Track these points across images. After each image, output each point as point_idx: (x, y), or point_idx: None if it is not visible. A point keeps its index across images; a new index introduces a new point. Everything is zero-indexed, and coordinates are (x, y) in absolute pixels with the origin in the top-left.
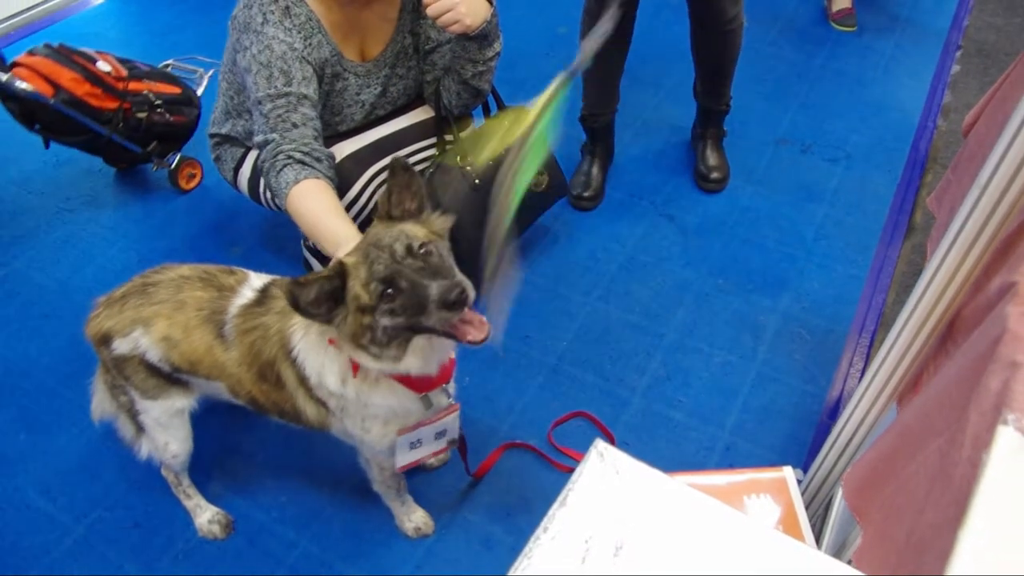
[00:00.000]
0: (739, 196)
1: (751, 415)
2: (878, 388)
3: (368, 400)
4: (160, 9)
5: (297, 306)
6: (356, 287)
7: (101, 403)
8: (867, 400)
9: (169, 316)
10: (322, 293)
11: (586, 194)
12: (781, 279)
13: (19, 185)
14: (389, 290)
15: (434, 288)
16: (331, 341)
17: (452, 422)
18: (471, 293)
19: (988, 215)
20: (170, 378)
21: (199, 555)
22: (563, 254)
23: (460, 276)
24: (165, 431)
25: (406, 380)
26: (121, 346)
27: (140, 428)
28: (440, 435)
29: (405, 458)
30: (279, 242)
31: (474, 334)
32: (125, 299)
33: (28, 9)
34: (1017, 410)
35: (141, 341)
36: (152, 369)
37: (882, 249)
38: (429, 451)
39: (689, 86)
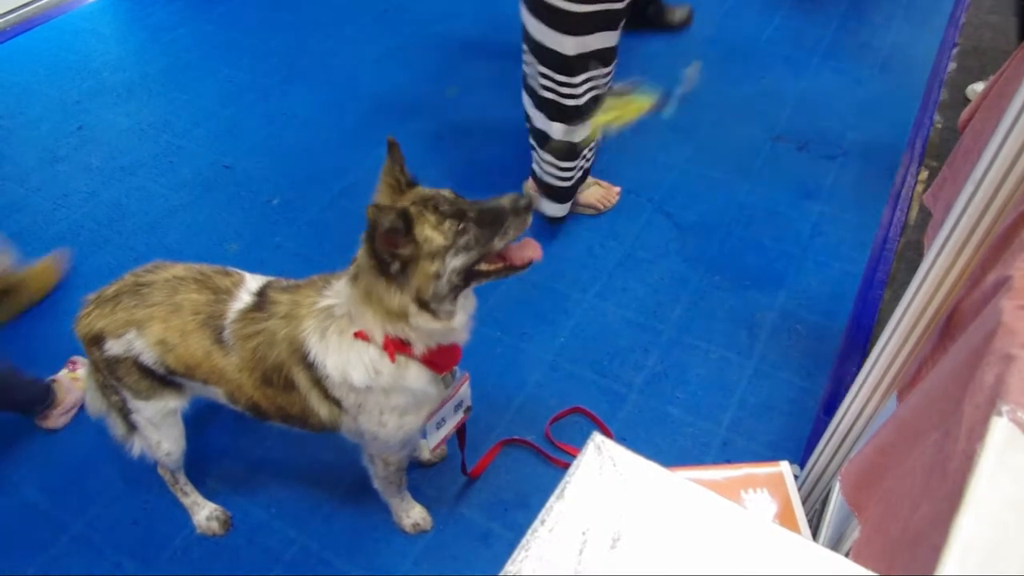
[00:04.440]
0: (736, 193)
1: (748, 411)
2: (874, 383)
3: (403, 384)
4: (156, 6)
5: (376, 230)
6: (426, 231)
7: (93, 401)
8: (863, 395)
9: (165, 319)
10: (393, 228)
11: None
12: (778, 276)
13: (16, 182)
14: (461, 225)
15: (504, 200)
16: (359, 335)
17: (465, 391)
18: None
19: (983, 210)
20: (164, 380)
21: (198, 551)
22: (560, 250)
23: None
24: (157, 430)
25: (432, 360)
26: (114, 347)
27: (132, 427)
28: (458, 407)
29: (435, 438)
30: (276, 240)
31: (532, 252)
32: (117, 298)
33: (24, 6)
34: (1011, 401)
35: (135, 344)
36: (145, 371)
37: (878, 246)
38: (452, 425)
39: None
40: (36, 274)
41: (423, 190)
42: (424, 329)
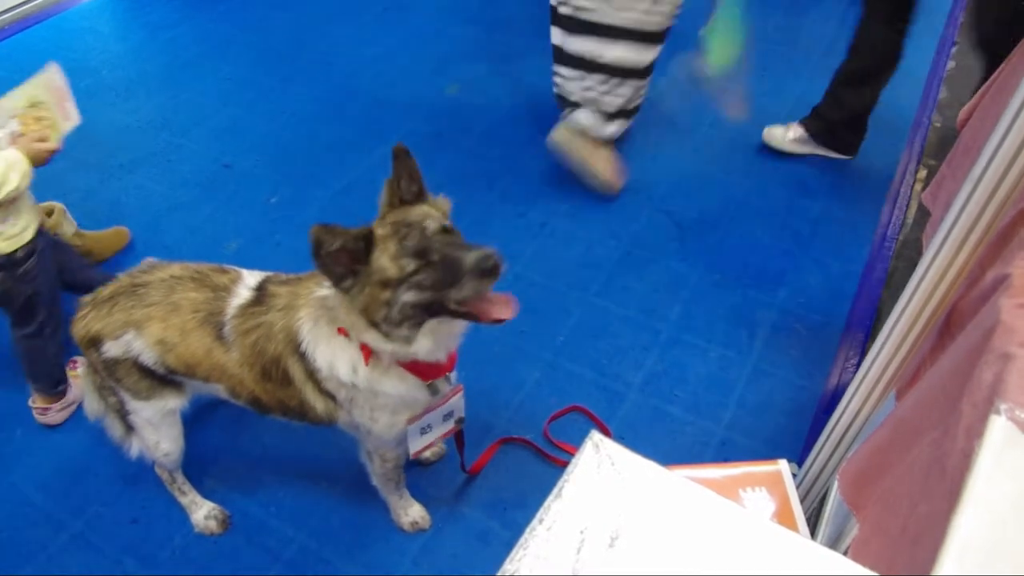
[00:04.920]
0: (735, 192)
1: (747, 410)
2: (873, 381)
3: (378, 388)
4: (156, 4)
5: (318, 251)
6: (383, 259)
7: (90, 403)
8: (862, 394)
9: (164, 319)
10: (345, 249)
11: None
12: (777, 274)
13: None
14: (416, 265)
15: (470, 257)
16: (341, 331)
17: (458, 402)
18: (502, 263)
19: (982, 208)
20: (163, 380)
21: (196, 550)
22: (560, 249)
23: (490, 248)
24: (156, 431)
25: (414, 368)
26: (112, 349)
27: (130, 427)
28: (448, 417)
29: (417, 444)
30: (275, 238)
31: (500, 311)
32: (114, 300)
33: (23, 4)
34: (1010, 400)
35: (134, 344)
36: (145, 371)
37: (877, 244)
38: (439, 433)
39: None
40: (101, 237)
41: (412, 212)
42: (373, 347)
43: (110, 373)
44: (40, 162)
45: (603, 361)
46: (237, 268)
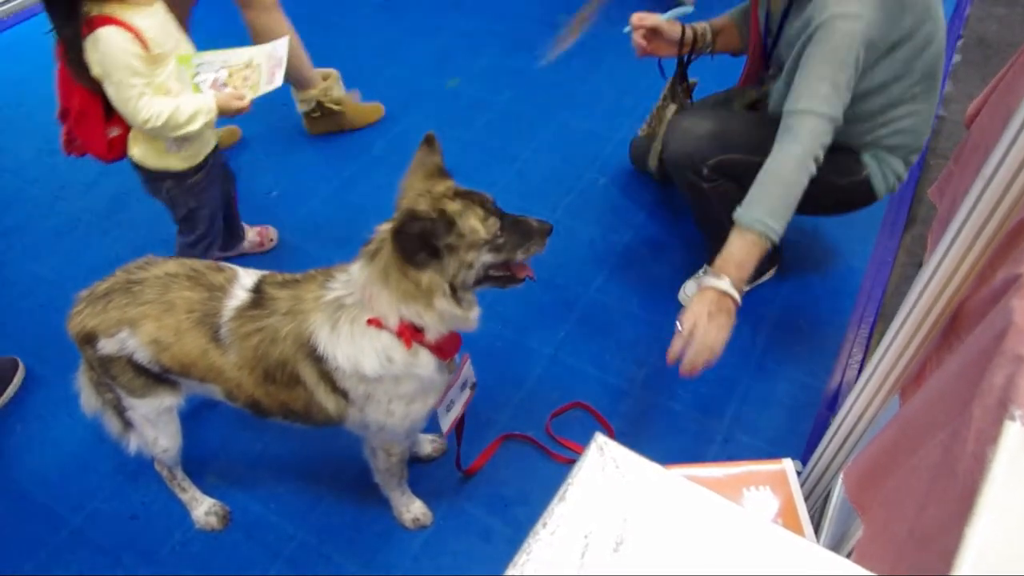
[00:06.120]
0: None
1: (750, 407)
2: (879, 381)
3: (412, 372)
4: None
5: (412, 235)
6: (472, 222)
7: (88, 399)
8: (867, 393)
9: (158, 318)
10: (431, 229)
11: None
12: (780, 270)
13: (13, 173)
14: (500, 225)
15: (533, 220)
16: (373, 322)
17: (468, 370)
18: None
19: (993, 207)
20: (158, 378)
21: (196, 546)
22: (562, 244)
23: None
24: (154, 427)
25: (439, 349)
26: (107, 346)
27: (127, 424)
28: (464, 386)
29: (447, 421)
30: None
31: (527, 271)
32: (109, 296)
33: None
34: (1023, 403)
35: (128, 343)
36: (139, 369)
37: (882, 240)
38: (461, 405)
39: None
40: (360, 108)
41: (460, 188)
42: (447, 313)
43: (105, 370)
44: (229, 116)
45: (606, 357)
46: (233, 266)
